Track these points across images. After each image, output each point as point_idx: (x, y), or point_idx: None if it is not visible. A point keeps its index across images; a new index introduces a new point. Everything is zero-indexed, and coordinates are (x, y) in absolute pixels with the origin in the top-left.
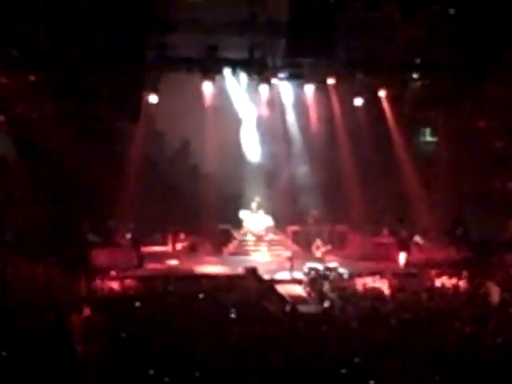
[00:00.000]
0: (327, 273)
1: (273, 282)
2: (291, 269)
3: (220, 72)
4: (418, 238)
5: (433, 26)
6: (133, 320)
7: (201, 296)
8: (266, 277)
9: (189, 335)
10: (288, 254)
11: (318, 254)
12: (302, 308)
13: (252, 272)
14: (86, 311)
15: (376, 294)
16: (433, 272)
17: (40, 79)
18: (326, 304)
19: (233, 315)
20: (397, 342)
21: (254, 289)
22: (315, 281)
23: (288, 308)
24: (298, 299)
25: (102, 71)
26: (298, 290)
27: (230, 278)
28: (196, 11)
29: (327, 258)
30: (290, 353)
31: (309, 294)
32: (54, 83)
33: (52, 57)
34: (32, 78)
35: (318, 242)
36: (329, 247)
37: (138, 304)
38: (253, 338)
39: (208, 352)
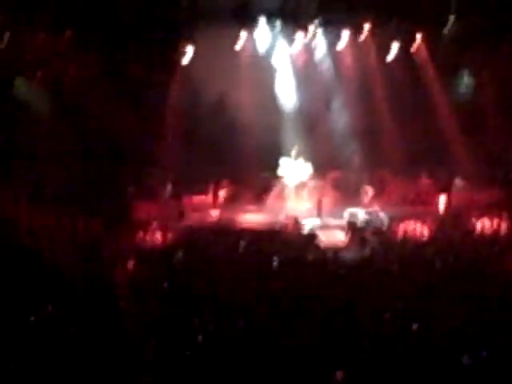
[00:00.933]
0: (368, 218)
1: (315, 229)
2: (319, 214)
3: (255, 21)
4: (458, 181)
5: None
6: (175, 271)
7: (242, 245)
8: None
9: (231, 284)
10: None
11: (366, 199)
12: (344, 254)
13: (293, 220)
14: (130, 264)
15: (417, 237)
16: (474, 214)
17: (76, 34)
18: (368, 249)
19: (275, 263)
20: (439, 285)
21: (296, 237)
22: (356, 226)
23: (330, 255)
24: (339, 245)
25: (138, 24)
26: (340, 236)
27: (271, 227)
28: None
29: (368, 202)
30: (333, 299)
31: (350, 239)
32: (90, 38)
33: (88, 11)
34: (68, 33)
35: (367, 187)
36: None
37: (180, 254)
38: (295, 286)
39: (251, 300)
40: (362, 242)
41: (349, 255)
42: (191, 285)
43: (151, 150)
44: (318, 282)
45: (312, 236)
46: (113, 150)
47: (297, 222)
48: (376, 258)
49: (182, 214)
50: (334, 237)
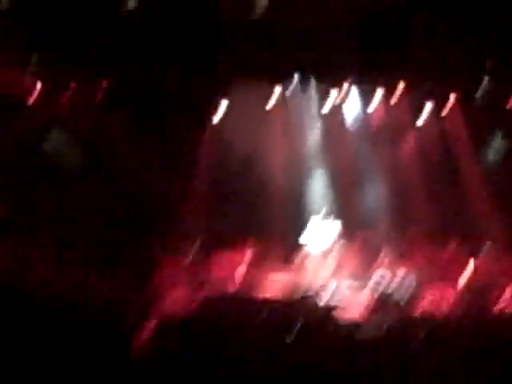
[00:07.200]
0: (390, 290)
1: (333, 306)
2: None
3: (290, 77)
4: (488, 246)
5: (504, 29)
6: (196, 340)
7: (264, 315)
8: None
9: (248, 358)
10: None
11: (385, 263)
12: (361, 331)
13: (318, 287)
14: (150, 327)
15: (441, 312)
16: (503, 287)
17: (112, 87)
18: (385, 327)
19: (288, 340)
20: (461, 365)
21: (313, 314)
22: (376, 299)
23: (345, 331)
24: (357, 323)
25: (171, 78)
26: (357, 313)
27: (295, 295)
28: (267, 18)
29: (391, 272)
30: (346, 378)
31: (369, 314)
32: (126, 92)
33: (125, 65)
34: (105, 84)
35: (386, 251)
36: (396, 257)
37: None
38: (308, 364)
39: (263, 377)
40: (381, 318)
41: (366, 332)
42: (210, 356)
43: (179, 211)
44: (330, 359)
45: (329, 311)
46: (140, 210)
47: (321, 290)
48: (394, 335)
49: (206, 278)
50: (351, 313)
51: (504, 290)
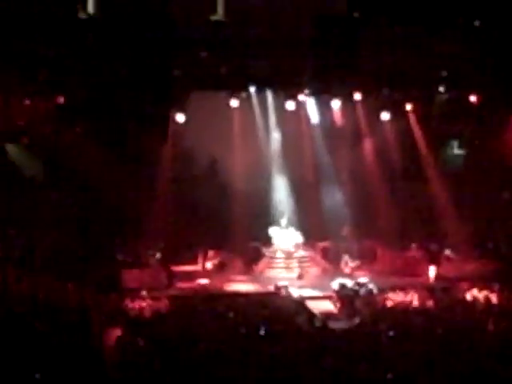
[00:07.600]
0: (357, 288)
1: (304, 298)
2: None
3: (246, 89)
4: (448, 252)
5: (459, 39)
6: (163, 339)
7: (231, 314)
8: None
9: (219, 353)
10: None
11: (347, 270)
12: (333, 324)
13: (282, 289)
14: (117, 331)
15: (407, 308)
16: (463, 286)
17: (67, 101)
18: (357, 320)
19: (262, 332)
20: (429, 357)
21: (285, 306)
22: (346, 296)
23: (318, 324)
24: (328, 315)
25: (129, 91)
26: (329, 306)
27: (260, 296)
28: (221, 29)
29: (357, 273)
30: (321, 369)
31: (339, 309)
32: (81, 105)
33: (79, 78)
34: (61, 99)
35: (346, 257)
36: (357, 263)
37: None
38: (283, 355)
39: (239, 370)
40: (352, 312)
41: (338, 325)
42: (179, 353)
43: (141, 218)
44: (305, 351)
45: (301, 305)
46: (103, 217)
47: (285, 292)
48: (365, 328)
49: (170, 283)
50: (323, 307)
51: (463, 292)
